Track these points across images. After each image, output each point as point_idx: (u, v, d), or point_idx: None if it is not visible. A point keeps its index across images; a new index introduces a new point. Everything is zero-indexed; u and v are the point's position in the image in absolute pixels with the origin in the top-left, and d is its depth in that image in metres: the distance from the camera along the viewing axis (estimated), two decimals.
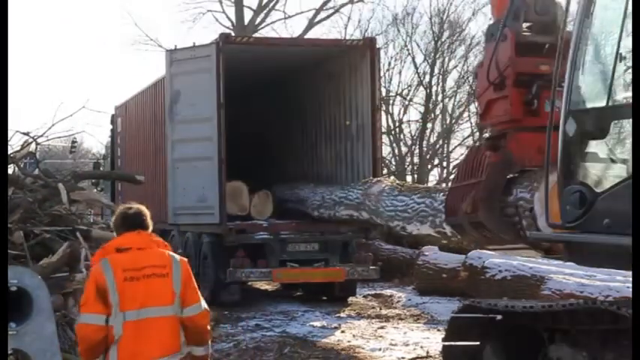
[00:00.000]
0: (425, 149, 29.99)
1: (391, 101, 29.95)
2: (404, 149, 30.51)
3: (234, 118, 14.62)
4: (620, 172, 5.59)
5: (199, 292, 4.95)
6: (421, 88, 30.23)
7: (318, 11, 33.05)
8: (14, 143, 10.16)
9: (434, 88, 30.05)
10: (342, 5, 32.92)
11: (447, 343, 7.35)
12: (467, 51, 30.14)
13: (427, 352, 10.18)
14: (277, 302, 14.89)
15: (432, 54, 30.00)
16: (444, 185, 21.43)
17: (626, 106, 5.39)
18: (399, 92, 30.21)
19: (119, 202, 17.66)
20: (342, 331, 12.00)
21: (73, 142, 19.98)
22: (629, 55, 5.46)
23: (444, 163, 32.63)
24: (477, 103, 9.68)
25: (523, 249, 8.53)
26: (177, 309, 4.78)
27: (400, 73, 30.64)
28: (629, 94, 5.45)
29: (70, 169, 15.66)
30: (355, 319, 13.19)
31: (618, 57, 5.54)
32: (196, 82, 14.27)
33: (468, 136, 30.83)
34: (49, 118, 11.93)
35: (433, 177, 31.94)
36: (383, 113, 25.18)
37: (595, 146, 5.80)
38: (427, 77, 30.03)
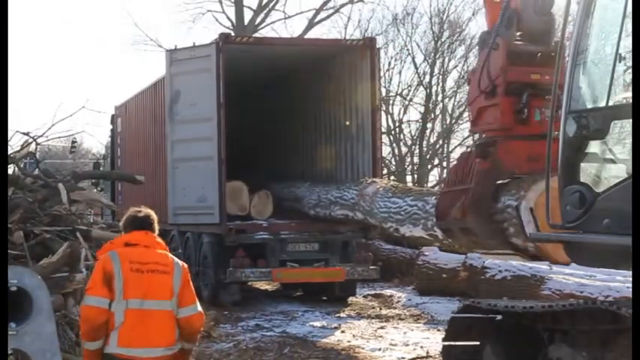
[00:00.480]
0: (425, 149, 29.97)
1: (391, 101, 29.95)
2: (404, 149, 30.50)
3: (234, 118, 14.61)
4: (619, 172, 5.59)
5: (195, 296, 5.24)
6: (421, 88, 30.24)
7: (318, 11, 33.05)
8: (14, 143, 10.17)
9: (434, 88, 30.06)
10: (342, 5, 32.93)
11: (446, 343, 7.35)
12: (467, 51, 30.12)
13: (427, 352, 10.18)
14: (277, 302, 14.89)
15: (432, 54, 29.99)
16: (436, 188, 21.38)
17: (626, 106, 5.40)
18: (399, 92, 30.22)
19: (119, 202, 17.73)
20: (342, 331, 12.00)
21: (73, 142, 19.96)
22: (629, 55, 5.46)
23: (444, 163, 32.61)
24: (468, 109, 9.79)
25: (510, 254, 8.61)
26: (174, 306, 5.06)
27: (400, 73, 30.67)
28: (629, 94, 5.46)
29: (70, 169, 15.63)
30: (355, 319, 13.19)
31: (618, 57, 5.54)
32: (196, 82, 14.27)
33: (468, 136, 30.76)
34: (49, 118, 11.95)
35: (433, 177, 31.95)
36: (383, 113, 25.26)
37: (595, 146, 5.80)
38: (427, 77, 30.03)
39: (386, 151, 27.98)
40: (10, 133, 9.30)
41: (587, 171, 5.83)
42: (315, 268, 14.05)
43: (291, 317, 13.24)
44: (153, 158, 16.59)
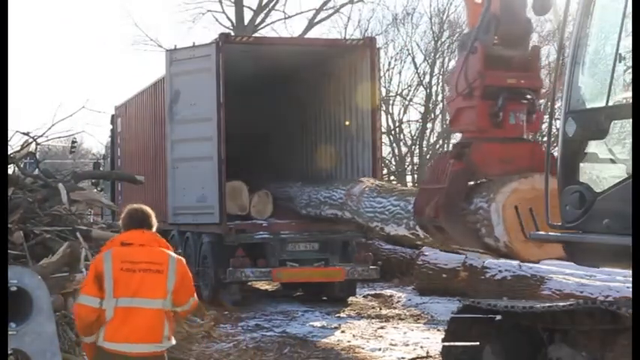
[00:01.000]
0: (425, 149, 29.96)
1: (391, 101, 29.94)
2: (404, 149, 30.49)
3: (234, 118, 14.61)
4: (619, 172, 5.59)
5: (193, 289, 5.46)
6: (421, 88, 30.23)
7: (318, 11, 33.05)
8: (14, 143, 10.19)
9: (434, 88, 30.03)
10: (342, 5, 32.93)
11: (446, 344, 7.36)
12: None
13: (427, 352, 10.18)
14: (277, 302, 14.88)
15: (432, 54, 29.99)
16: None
17: (626, 106, 5.40)
18: (399, 92, 30.21)
19: (119, 202, 17.73)
20: (342, 331, 12.00)
21: (73, 142, 19.92)
22: (629, 55, 5.46)
23: None
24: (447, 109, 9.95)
25: (481, 253, 8.77)
26: (167, 304, 5.23)
27: (400, 73, 30.66)
28: (629, 94, 5.46)
29: (70, 169, 15.64)
30: (355, 319, 13.19)
31: (618, 57, 5.55)
32: (196, 82, 14.26)
33: None
34: (49, 118, 11.96)
35: None
36: (383, 113, 25.26)
37: (595, 146, 5.80)
38: (427, 77, 30.03)
39: (386, 151, 27.98)
40: (10, 133, 9.32)
41: (586, 171, 5.83)
42: (315, 268, 14.06)
43: (291, 317, 13.24)
44: (153, 158, 16.59)
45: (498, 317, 7.05)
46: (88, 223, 9.26)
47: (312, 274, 14.11)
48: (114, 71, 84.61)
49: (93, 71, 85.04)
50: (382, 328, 12.27)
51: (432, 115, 30.27)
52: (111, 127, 20.96)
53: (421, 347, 10.59)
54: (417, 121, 30.40)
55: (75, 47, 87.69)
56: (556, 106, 6.94)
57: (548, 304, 6.46)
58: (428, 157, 30.45)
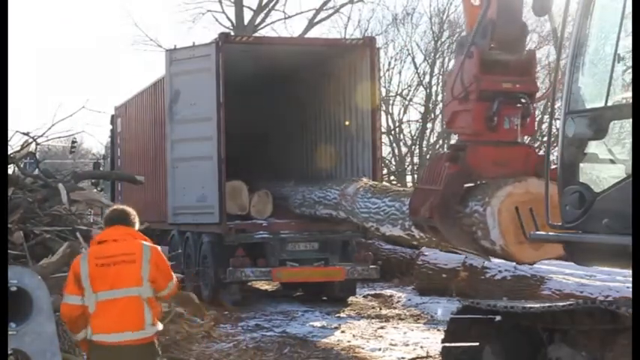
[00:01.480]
0: (425, 149, 29.95)
1: (391, 101, 29.93)
2: (404, 149, 30.48)
3: (234, 118, 14.61)
4: (619, 172, 5.59)
5: (171, 273, 5.68)
6: (421, 88, 30.21)
7: (318, 11, 33.04)
8: (14, 143, 10.20)
9: (434, 88, 30.00)
10: (342, 5, 32.92)
11: (446, 344, 7.36)
12: None
13: (427, 352, 10.18)
14: (277, 302, 14.88)
15: (432, 54, 29.96)
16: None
17: (626, 106, 5.40)
18: (399, 92, 30.20)
19: (119, 202, 17.72)
20: (342, 331, 12.00)
21: (73, 142, 19.95)
22: (629, 55, 5.46)
23: None
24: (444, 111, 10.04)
25: (475, 254, 8.83)
26: (145, 291, 5.46)
27: (400, 73, 30.63)
28: (629, 94, 5.46)
29: (70, 169, 15.64)
30: (355, 319, 13.19)
31: (617, 57, 5.55)
32: (196, 82, 14.26)
33: None
34: (49, 118, 11.96)
35: None
36: (383, 113, 25.25)
37: (594, 146, 5.81)
38: (427, 77, 30.01)
39: (386, 151, 27.95)
40: (10, 133, 9.32)
41: (586, 171, 5.84)
42: (315, 268, 14.06)
43: (291, 317, 13.24)
44: (153, 158, 16.58)
45: (498, 318, 7.05)
46: (88, 223, 9.27)
47: (312, 274, 14.11)
48: (114, 71, 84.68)
49: (93, 71, 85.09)
50: (382, 328, 12.27)
51: (432, 115, 30.25)
52: (111, 127, 20.95)
53: (421, 347, 10.59)
54: (417, 121, 30.40)
55: (75, 47, 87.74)
56: (556, 107, 6.95)
57: (548, 304, 6.46)
58: (428, 157, 30.44)
